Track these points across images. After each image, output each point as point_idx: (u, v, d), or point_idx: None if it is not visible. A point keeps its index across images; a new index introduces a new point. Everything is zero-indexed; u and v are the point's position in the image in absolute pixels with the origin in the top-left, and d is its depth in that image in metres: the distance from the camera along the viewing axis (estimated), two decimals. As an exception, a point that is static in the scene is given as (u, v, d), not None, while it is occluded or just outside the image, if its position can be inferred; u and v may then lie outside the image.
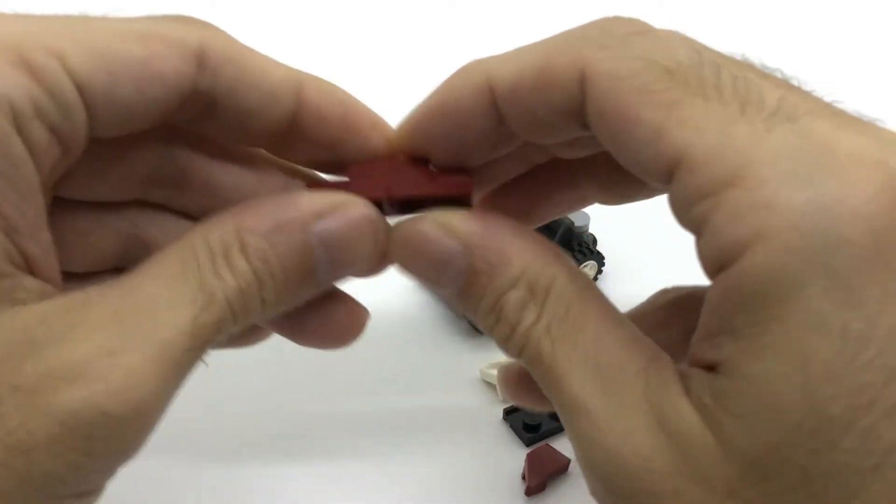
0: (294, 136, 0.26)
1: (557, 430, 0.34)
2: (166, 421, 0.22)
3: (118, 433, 0.21)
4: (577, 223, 0.40)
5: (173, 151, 0.27)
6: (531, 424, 0.33)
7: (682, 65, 0.21)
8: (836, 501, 0.19)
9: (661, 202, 0.22)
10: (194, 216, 0.27)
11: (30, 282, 0.22)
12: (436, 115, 0.25)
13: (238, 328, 0.23)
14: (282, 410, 0.35)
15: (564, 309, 0.23)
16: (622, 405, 0.21)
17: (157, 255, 0.23)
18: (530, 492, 0.32)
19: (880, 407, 0.19)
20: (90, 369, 0.21)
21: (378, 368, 0.37)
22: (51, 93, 0.21)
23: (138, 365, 0.21)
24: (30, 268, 0.23)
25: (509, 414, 0.34)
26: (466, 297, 0.24)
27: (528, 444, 0.34)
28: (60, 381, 0.21)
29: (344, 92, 0.26)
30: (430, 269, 0.24)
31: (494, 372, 0.35)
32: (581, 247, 0.41)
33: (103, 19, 0.23)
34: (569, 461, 0.32)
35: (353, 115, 0.26)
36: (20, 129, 0.21)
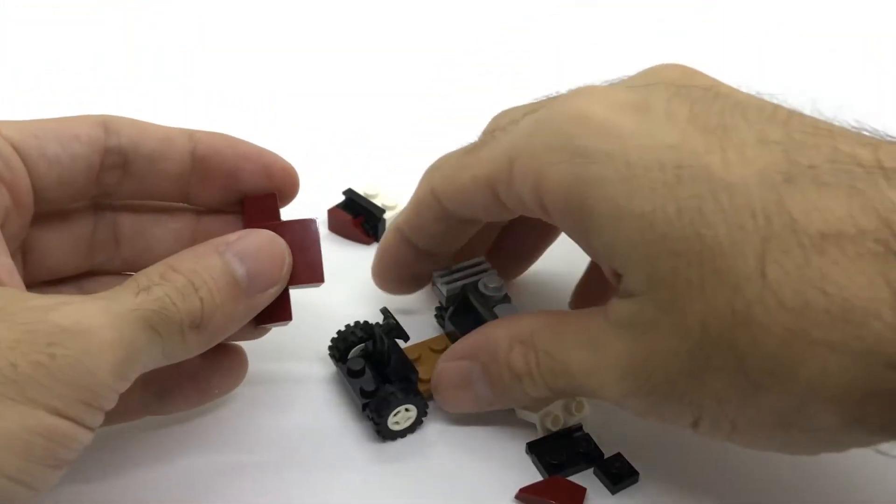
0: (199, 177, 0.33)
1: (579, 469, 0.34)
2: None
3: (75, 344, 0.24)
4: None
5: (104, 217, 0.34)
6: (554, 463, 0.34)
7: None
8: (697, 256, 0.26)
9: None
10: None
11: None
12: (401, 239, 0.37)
13: (182, 316, 0.27)
14: (296, 433, 0.36)
15: (548, 334, 0.32)
16: (602, 350, 0.30)
17: None
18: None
19: (682, 185, 0.27)
20: (40, 305, 0.25)
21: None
22: None
23: (83, 304, 0.26)
24: None
25: (532, 448, 0.35)
26: (496, 390, 0.33)
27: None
28: (16, 311, 0.25)
29: (230, 135, 0.34)
30: (465, 394, 0.34)
31: (533, 411, 0.35)
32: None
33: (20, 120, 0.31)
34: (584, 490, 0.33)
35: (240, 145, 0.34)
36: None
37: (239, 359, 0.34)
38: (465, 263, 0.38)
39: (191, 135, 0.33)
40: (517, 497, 0.32)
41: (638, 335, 0.28)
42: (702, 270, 0.26)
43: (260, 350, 0.35)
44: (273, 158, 0.34)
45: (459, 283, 0.37)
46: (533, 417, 0.35)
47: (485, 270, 0.38)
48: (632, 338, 0.29)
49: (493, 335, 0.33)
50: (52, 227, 0.33)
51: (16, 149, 0.30)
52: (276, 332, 0.34)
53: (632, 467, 0.34)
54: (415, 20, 0.66)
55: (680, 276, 0.27)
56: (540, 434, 0.35)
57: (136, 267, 0.31)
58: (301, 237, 0.32)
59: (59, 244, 0.33)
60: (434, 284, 0.38)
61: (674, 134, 0.28)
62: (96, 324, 0.25)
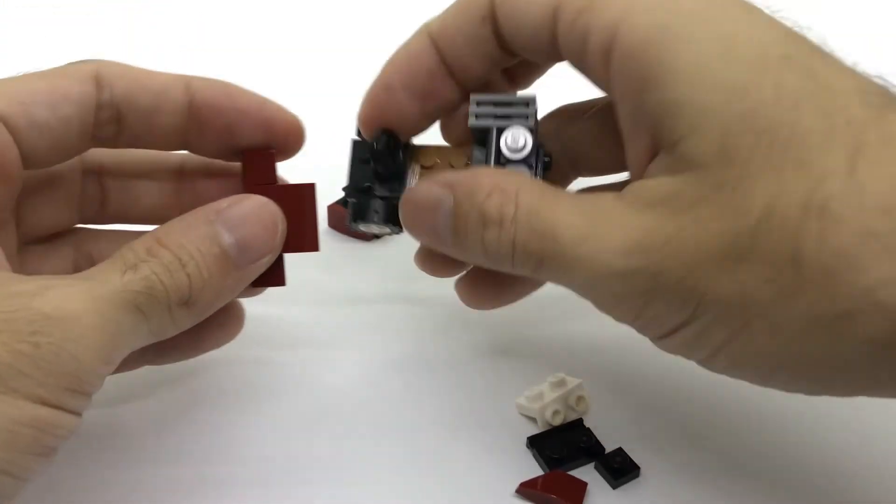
0: (195, 130, 0.31)
1: (580, 463, 0.34)
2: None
3: (58, 332, 0.24)
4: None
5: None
6: (554, 457, 0.34)
7: None
8: (782, 139, 0.25)
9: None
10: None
11: None
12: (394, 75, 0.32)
13: (169, 293, 0.27)
14: (307, 432, 0.36)
15: (537, 195, 0.28)
16: (608, 222, 0.27)
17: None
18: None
19: (772, 62, 0.26)
20: (23, 291, 0.25)
21: (415, 396, 0.37)
22: None
23: (66, 288, 0.26)
24: None
25: (533, 443, 0.35)
26: (459, 228, 0.29)
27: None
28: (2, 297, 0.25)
29: (227, 82, 0.32)
30: (426, 217, 0.30)
31: (533, 406, 0.35)
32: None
33: (11, 77, 0.30)
34: (585, 484, 0.33)
35: (240, 98, 0.31)
36: None
37: (236, 313, 0.34)
38: (514, 98, 0.32)
39: (188, 84, 0.31)
40: (518, 491, 0.32)
41: (669, 213, 0.26)
42: (785, 155, 0.25)
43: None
44: (275, 111, 0.32)
45: (486, 122, 0.32)
46: (533, 412, 0.35)
47: (525, 116, 0.32)
48: (658, 214, 0.26)
49: (478, 175, 0.30)
50: (42, 190, 0.32)
51: (1, 119, 0.28)
52: (270, 325, 0.34)
53: (633, 462, 0.33)
54: (415, 20, 0.66)
55: (757, 154, 0.25)
56: (540, 428, 0.35)
57: (125, 219, 0.32)
58: (298, 203, 0.31)
59: (49, 206, 0.33)
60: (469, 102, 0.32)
61: (778, 29, 0.27)
62: (80, 308, 0.25)
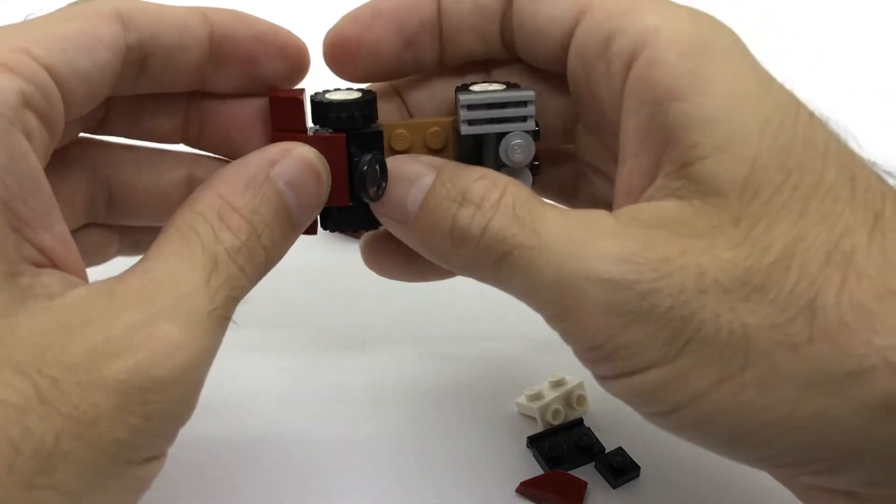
0: (218, 66, 0.29)
1: (580, 463, 0.34)
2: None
3: (169, 395, 0.23)
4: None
5: (97, 170, 0.30)
6: (554, 457, 0.34)
7: None
8: (808, 184, 0.24)
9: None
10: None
11: (50, 276, 0.24)
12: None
13: (251, 281, 0.26)
14: (305, 428, 0.36)
15: (527, 191, 0.26)
16: (599, 229, 0.25)
17: (159, 238, 0.26)
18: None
19: (803, 112, 0.25)
20: (129, 343, 0.23)
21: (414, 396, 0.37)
22: (32, 83, 0.24)
23: (171, 333, 0.23)
24: (51, 261, 0.24)
25: (533, 442, 0.35)
26: (429, 202, 0.27)
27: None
28: (107, 356, 0.22)
29: (244, 13, 0.29)
30: (397, 187, 0.28)
31: (533, 405, 0.35)
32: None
33: (36, 18, 0.26)
34: (585, 484, 0.32)
35: (256, 25, 0.29)
36: (17, 122, 0.23)
37: None
38: (509, 97, 0.29)
39: (205, 16, 0.28)
40: (518, 491, 0.32)
41: (673, 235, 0.24)
42: (810, 201, 0.24)
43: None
44: (287, 37, 0.29)
45: (482, 129, 0.29)
46: (533, 411, 0.35)
47: (523, 118, 0.29)
48: (659, 234, 0.24)
49: (473, 167, 0.28)
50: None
51: (49, 73, 0.25)
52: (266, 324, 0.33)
53: (633, 461, 0.33)
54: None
55: (783, 193, 0.24)
56: (540, 428, 0.35)
57: (130, 218, 0.30)
58: (329, 155, 0.29)
59: (57, 199, 0.29)
60: (455, 103, 0.30)
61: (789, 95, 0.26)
62: (186, 360, 0.23)
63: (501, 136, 0.29)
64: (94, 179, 0.30)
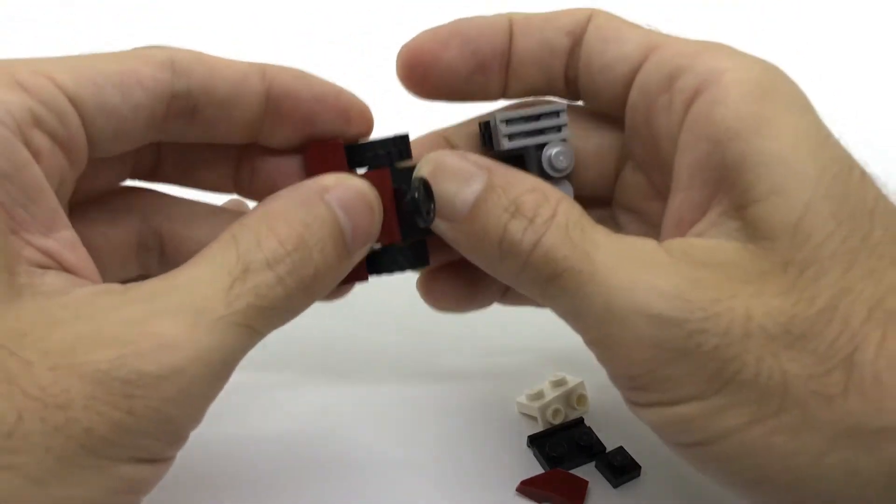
0: (274, 124, 0.29)
1: (581, 462, 0.34)
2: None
3: (157, 392, 0.22)
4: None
5: (149, 219, 0.30)
6: (555, 456, 0.34)
7: None
8: (857, 238, 0.24)
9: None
10: None
11: (56, 277, 0.24)
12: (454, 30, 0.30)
13: (291, 295, 0.25)
14: (304, 428, 0.36)
15: (579, 211, 0.26)
16: (651, 262, 0.25)
17: (203, 249, 0.25)
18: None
19: (856, 168, 0.25)
20: (119, 335, 0.22)
21: (415, 395, 0.37)
22: (45, 104, 0.25)
23: (168, 330, 0.23)
24: (59, 264, 0.25)
25: (534, 441, 0.35)
26: (481, 207, 0.26)
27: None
28: (91, 345, 0.22)
29: (303, 71, 0.30)
30: (448, 181, 0.27)
31: (534, 404, 0.35)
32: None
33: (87, 54, 0.27)
34: (586, 483, 0.32)
35: (317, 85, 0.29)
36: (21, 136, 0.24)
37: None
38: (543, 110, 0.30)
39: (263, 72, 0.28)
40: (518, 490, 0.32)
41: (724, 277, 0.24)
42: (857, 256, 0.24)
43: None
44: (351, 100, 0.30)
45: (522, 143, 0.30)
46: (534, 410, 0.35)
47: (558, 128, 0.30)
48: (710, 274, 0.24)
49: (518, 172, 0.27)
50: (98, 228, 0.30)
51: (72, 101, 0.25)
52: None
53: (634, 461, 0.33)
54: (417, 20, 0.66)
55: (832, 243, 0.24)
56: (541, 427, 0.35)
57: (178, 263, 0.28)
58: (379, 191, 0.28)
59: (106, 244, 0.30)
60: (493, 124, 0.31)
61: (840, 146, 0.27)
62: (182, 359, 0.23)
63: (539, 148, 0.30)
64: (146, 228, 0.30)
